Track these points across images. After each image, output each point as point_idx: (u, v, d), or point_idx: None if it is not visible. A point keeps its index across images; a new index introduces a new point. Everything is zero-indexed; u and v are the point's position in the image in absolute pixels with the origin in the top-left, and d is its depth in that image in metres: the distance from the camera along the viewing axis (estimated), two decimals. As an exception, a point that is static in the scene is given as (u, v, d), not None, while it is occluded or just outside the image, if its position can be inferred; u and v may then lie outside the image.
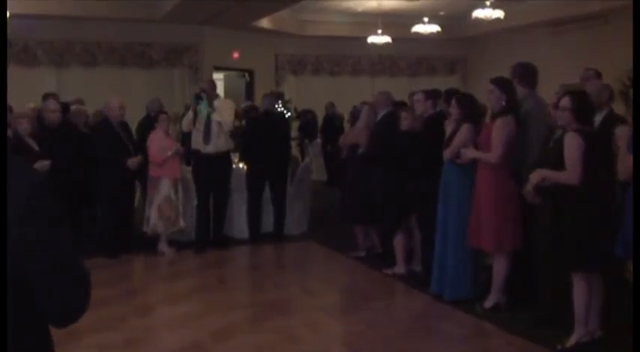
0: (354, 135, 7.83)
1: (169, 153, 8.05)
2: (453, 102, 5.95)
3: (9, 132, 7.63)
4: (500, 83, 5.56)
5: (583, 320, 4.69)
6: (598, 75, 6.11)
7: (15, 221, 1.47)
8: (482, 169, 5.56)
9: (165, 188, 8.09)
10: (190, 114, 8.35)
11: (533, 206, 5.18)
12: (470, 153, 5.57)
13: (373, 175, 7.15)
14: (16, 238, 1.47)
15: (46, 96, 9.14)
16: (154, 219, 8.08)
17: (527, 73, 5.77)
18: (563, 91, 4.97)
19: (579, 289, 4.64)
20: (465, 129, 5.74)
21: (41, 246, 1.52)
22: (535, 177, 4.76)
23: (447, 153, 5.82)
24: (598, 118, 5.13)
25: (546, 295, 5.21)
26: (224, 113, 8.34)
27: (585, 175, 4.49)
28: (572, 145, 4.51)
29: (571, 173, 4.49)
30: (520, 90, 5.62)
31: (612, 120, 5.26)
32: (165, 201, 8.09)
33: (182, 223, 8.29)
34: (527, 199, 5.16)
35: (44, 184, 1.57)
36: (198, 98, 8.23)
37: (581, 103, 4.65)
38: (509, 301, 5.66)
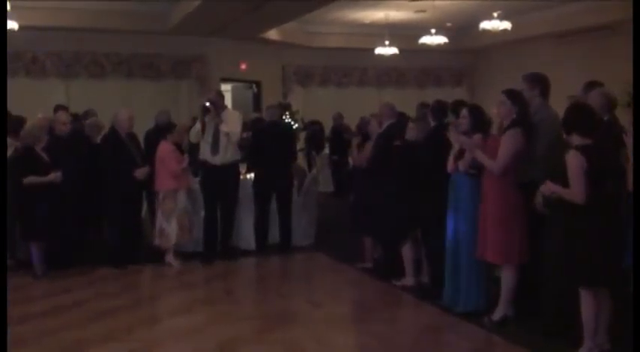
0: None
1: (184, 165, 8.16)
2: (465, 112, 5.92)
3: (18, 145, 7.67)
4: (512, 95, 5.56)
5: (591, 334, 4.66)
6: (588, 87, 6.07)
7: None
8: (487, 181, 5.54)
9: (182, 200, 8.21)
10: (198, 125, 8.37)
11: (544, 218, 5.16)
12: (479, 155, 5.54)
13: (375, 186, 7.15)
14: None
15: (57, 108, 9.22)
16: (174, 231, 8.12)
17: (545, 84, 5.77)
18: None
19: (587, 303, 4.62)
20: (477, 139, 5.72)
21: None
22: (544, 189, 4.77)
23: (462, 165, 5.80)
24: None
25: (555, 308, 5.18)
26: (232, 124, 8.36)
27: (591, 190, 4.48)
28: (572, 164, 4.51)
29: (575, 191, 4.50)
30: (536, 101, 5.62)
31: (613, 127, 5.25)
32: (184, 213, 8.20)
33: (195, 234, 8.36)
34: (538, 210, 5.15)
35: None
36: (205, 110, 8.26)
37: (574, 116, 4.69)
38: (518, 313, 5.62)
